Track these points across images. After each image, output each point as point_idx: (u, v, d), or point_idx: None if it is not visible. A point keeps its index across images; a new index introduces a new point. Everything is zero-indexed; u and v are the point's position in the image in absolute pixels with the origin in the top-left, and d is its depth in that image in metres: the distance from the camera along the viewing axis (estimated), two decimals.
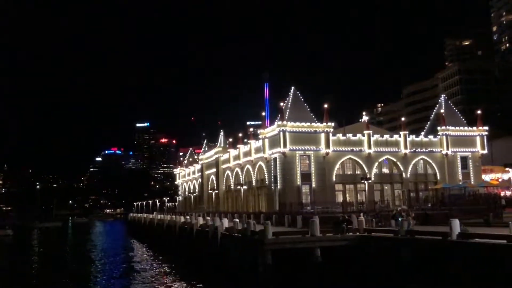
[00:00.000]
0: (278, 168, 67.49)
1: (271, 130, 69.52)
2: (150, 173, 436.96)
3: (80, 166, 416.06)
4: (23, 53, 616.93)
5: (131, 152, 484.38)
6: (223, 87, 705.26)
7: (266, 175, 72.17)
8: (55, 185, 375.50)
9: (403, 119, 72.83)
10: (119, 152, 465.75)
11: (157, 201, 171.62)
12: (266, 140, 71.00)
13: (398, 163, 71.55)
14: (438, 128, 74.14)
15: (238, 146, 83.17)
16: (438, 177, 73.10)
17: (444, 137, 73.38)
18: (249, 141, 78.46)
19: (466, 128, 75.34)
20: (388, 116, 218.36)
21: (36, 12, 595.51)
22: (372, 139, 70.12)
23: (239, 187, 79.86)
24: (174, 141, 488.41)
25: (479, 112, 75.85)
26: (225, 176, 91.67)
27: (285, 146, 65.47)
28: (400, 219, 37.76)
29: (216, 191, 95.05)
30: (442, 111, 75.80)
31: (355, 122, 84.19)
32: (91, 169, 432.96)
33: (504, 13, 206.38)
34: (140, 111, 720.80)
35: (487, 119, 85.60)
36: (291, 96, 70.76)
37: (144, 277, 49.24)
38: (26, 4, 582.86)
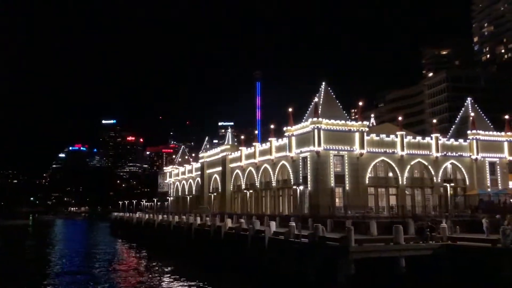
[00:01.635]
0: (308, 168, 63.04)
1: (300, 128, 64.98)
2: (116, 171, 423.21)
3: (42, 162, 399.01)
4: None
5: (95, 150, 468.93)
6: (192, 86, 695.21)
7: (291, 176, 67.55)
8: (15, 181, 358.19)
9: (434, 121, 69.50)
10: (84, 149, 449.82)
11: (144, 201, 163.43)
12: (293, 138, 66.42)
13: (430, 167, 68.43)
14: (468, 132, 71.58)
15: (253, 144, 78.09)
16: (467, 183, 70.52)
17: (474, 141, 70.87)
18: (269, 139, 73.50)
19: (495, 133, 73.09)
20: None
21: None
22: (405, 140, 66.72)
23: (255, 188, 75.00)
24: (141, 140, 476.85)
25: (506, 117, 73.83)
26: (234, 175, 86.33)
27: (319, 144, 61.08)
28: (503, 229, 33.76)
29: (221, 191, 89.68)
30: (472, 114, 73.17)
31: None
32: (54, 166, 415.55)
33: (485, 25, 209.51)
34: (107, 107, 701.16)
35: None
36: (322, 92, 66.53)
37: None
38: None
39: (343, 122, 63.20)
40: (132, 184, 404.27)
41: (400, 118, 68.16)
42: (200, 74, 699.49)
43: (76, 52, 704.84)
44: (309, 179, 62.89)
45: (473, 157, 70.70)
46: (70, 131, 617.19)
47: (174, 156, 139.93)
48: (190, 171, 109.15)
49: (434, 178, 68.45)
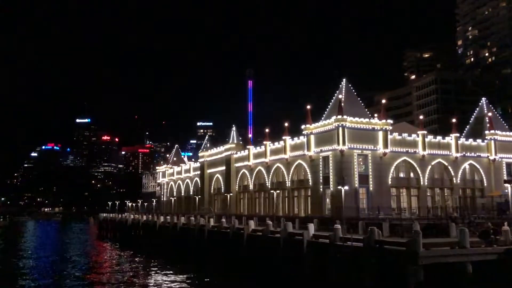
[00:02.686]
0: (330, 167, 60.48)
1: (321, 126, 62.43)
2: (90, 171, 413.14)
3: (13, 162, 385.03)
4: None
5: (68, 149, 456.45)
6: (168, 85, 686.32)
7: (309, 175, 64.86)
8: None
9: (454, 120, 67.92)
10: (57, 148, 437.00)
11: (128, 201, 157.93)
12: (312, 137, 63.82)
13: (450, 167, 66.84)
14: (486, 132, 70.37)
15: (264, 142, 75.07)
16: (485, 184, 69.26)
17: (492, 141, 69.70)
18: (283, 137, 70.59)
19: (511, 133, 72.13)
20: None
21: None
22: (426, 140, 64.95)
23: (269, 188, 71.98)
24: (116, 139, 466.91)
25: None
26: (240, 175, 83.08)
27: (343, 143, 58.60)
28: None
29: (224, 192, 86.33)
30: (489, 114, 72.01)
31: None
32: (26, 165, 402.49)
33: (470, 28, 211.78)
34: (81, 106, 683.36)
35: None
36: (343, 89, 64.18)
37: None
38: None
39: (367, 120, 60.96)
40: (108, 184, 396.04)
41: (421, 117, 66.23)
42: (177, 73, 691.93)
43: (50, 49, 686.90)
44: (331, 179, 60.32)
45: (491, 157, 69.53)
46: (43, 129, 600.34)
47: (168, 156, 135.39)
48: (187, 171, 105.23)
49: (454, 179, 66.88)
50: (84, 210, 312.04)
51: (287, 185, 70.01)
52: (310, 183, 64.48)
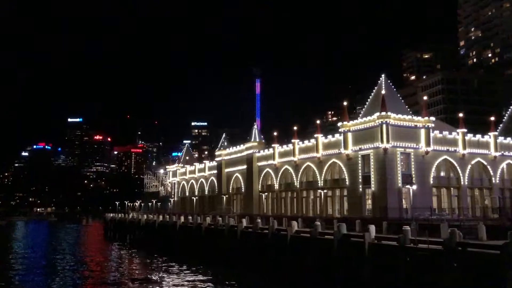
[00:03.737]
0: (372, 166, 57.98)
1: (360, 123, 59.94)
2: (83, 171, 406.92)
3: (4, 161, 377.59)
4: None
5: (59, 149, 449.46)
6: (161, 85, 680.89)
7: (345, 175, 62.27)
8: None
9: (492, 118, 65.85)
10: (48, 147, 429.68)
11: (127, 202, 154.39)
12: (350, 134, 61.29)
13: (488, 166, 64.77)
14: None
15: (292, 140, 72.36)
16: None
17: None
18: (315, 135, 68.03)
19: None
20: None
21: None
22: (466, 138, 62.80)
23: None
24: (109, 139, 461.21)
25: None
26: (263, 174, 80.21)
27: (387, 141, 56.11)
28: None
29: (245, 191, 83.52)
30: None
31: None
32: (16, 165, 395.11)
33: (472, 29, 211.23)
34: (73, 105, 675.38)
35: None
36: (383, 85, 61.77)
37: None
38: None
39: (409, 117, 58.64)
40: (101, 184, 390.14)
41: (461, 115, 64.05)
42: (171, 73, 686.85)
43: (41, 48, 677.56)
44: (372, 179, 57.83)
45: None
46: (34, 129, 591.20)
47: (179, 155, 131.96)
48: (202, 170, 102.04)
49: (493, 178, 64.84)
50: (77, 211, 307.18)
51: (318, 184, 67.34)
52: (347, 183, 61.94)
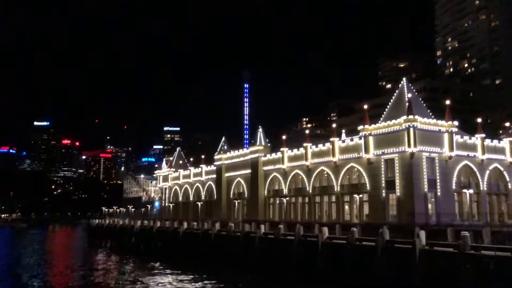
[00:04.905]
0: (396, 171, 56.75)
1: (383, 127, 58.79)
2: (50, 176, 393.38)
3: None
4: None
5: (24, 153, 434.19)
6: (131, 88, 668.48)
7: (366, 180, 60.85)
8: None
9: (507, 124, 65.90)
10: (13, 151, 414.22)
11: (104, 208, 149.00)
12: (371, 138, 60.01)
13: (504, 172, 64.69)
14: None
15: (305, 144, 70.54)
16: None
17: None
18: (330, 139, 66.43)
19: None
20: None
21: None
22: (484, 143, 62.49)
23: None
24: (77, 143, 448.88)
25: None
26: (270, 179, 77.98)
27: (415, 145, 55.02)
28: None
29: (249, 197, 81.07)
30: None
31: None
32: None
33: (449, 39, 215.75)
34: (39, 108, 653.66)
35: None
36: (404, 89, 60.85)
37: None
38: None
39: (434, 121, 57.84)
40: (69, 189, 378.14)
41: (479, 120, 63.74)
42: (141, 76, 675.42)
43: (7, 48, 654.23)
44: (397, 184, 56.58)
45: None
46: None
47: (170, 158, 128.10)
48: (198, 174, 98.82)
49: (509, 184, 64.74)
50: (44, 217, 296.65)
51: (335, 189, 65.67)
52: (368, 188, 60.51)
